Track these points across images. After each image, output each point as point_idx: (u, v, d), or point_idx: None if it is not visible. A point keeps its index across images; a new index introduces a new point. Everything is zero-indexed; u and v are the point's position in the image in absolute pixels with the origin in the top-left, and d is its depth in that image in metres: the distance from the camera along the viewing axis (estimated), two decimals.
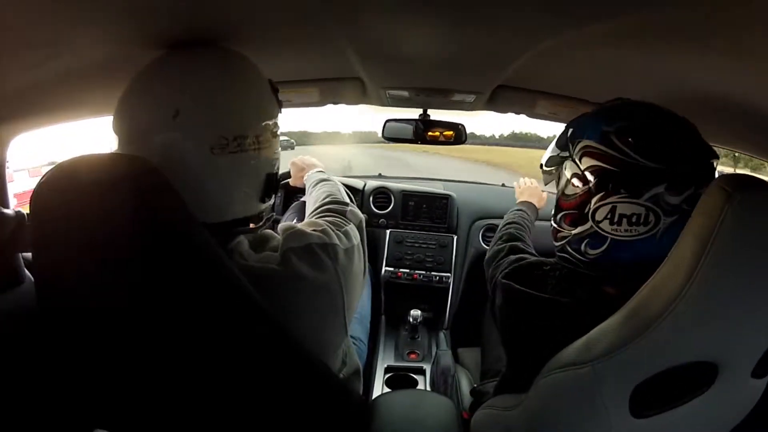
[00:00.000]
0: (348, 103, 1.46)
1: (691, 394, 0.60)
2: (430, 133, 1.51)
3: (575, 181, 0.71)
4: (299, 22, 0.77)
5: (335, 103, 1.43)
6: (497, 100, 1.31)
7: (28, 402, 0.57)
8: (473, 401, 1.18)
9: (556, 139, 0.80)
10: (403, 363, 1.68)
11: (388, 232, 1.93)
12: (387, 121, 1.53)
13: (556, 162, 0.78)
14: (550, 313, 0.72)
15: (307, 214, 0.92)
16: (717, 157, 0.67)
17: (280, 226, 0.74)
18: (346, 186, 1.28)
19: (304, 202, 1.18)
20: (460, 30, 0.78)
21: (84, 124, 1.04)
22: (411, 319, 1.72)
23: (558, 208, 0.77)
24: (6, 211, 0.65)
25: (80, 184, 0.52)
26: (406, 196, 1.96)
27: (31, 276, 0.69)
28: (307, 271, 0.67)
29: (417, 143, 1.55)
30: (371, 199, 1.96)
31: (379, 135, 1.58)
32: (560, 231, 0.76)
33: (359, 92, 1.34)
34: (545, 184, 0.86)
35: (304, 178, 1.19)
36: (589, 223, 0.68)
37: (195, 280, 0.55)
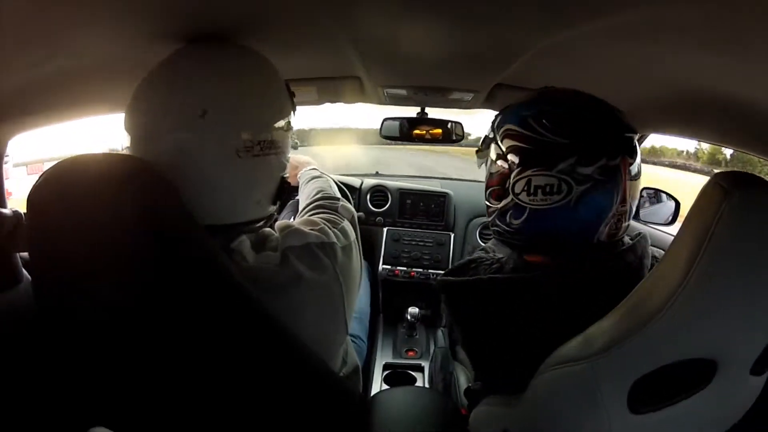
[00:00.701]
0: (346, 101, 1.46)
1: (690, 391, 0.60)
2: (420, 131, 1.51)
3: (499, 161, 0.78)
4: (298, 21, 0.76)
5: (333, 101, 1.43)
6: (495, 98, 1.31)
7: (27, 401, 0.57)
8: (469, 401, 1.18)
9: (488, 129, 0.86)
10: (402, 360, 1.69)
11: (385, 230, 1.93)
12: (384, 119, 1.53)
13: (485, 147, 0.85)
14: (489, 293, 0.76)
15: (299, 210, 0.92)
16: (634, 131, 0.72)
17: (277, 224, 0.74)
18: (344, 184, 1.28)
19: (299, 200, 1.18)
20: (458, 29, 0.78)
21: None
22: (409, 317, 1.73)
23: (486, 186, 0.83)
24: (3, 210, 0.65)
25: (77, 184, 0.52)
26: (404, 194, 1.96)
27: (29, 276, 0.69)
28: (306, 270, 0.67)
29: (413, 141, 1.55)
30: (368, 197, 1.96)
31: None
32: (490, 207, 0.82)
33: (357, 91, 1.34)
34: (478, 167, 0.92)
35: (298, 176, 1.19)
36: (510, 196, 0.74)
37: (192, 281, 0.55)
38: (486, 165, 0.85)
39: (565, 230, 0.71)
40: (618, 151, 0.69)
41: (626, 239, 0.77)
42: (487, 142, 0.83)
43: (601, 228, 0.71)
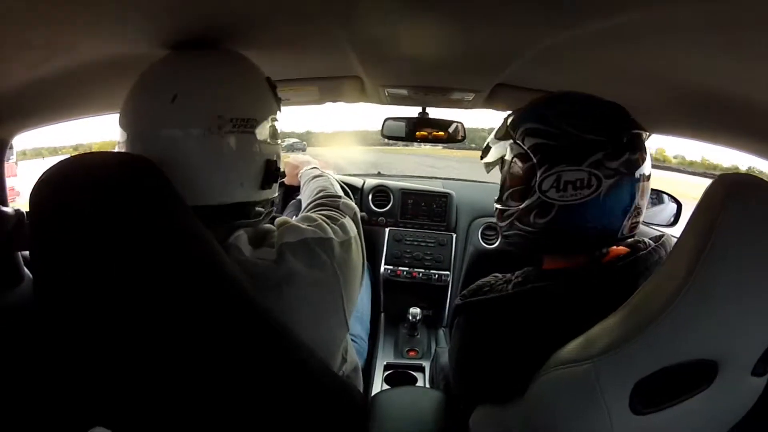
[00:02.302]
0: (347, 101, 1.47)
1: (691, 392, 0.60)
2: (425, 131, 1.51)
3: (518, 160, 0.77)
4: (299, 22, 0.77)
5: (334, 101, 1.44)
6: (496, 98, 1.31)
7: (27, 400, 0.57)
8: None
9: (494, 132, 0.86)
10: (403, 360, 1.69)
11: (387, 230, 1.93)
12: (386, 119, 1.54)
13: (496, 151, 0.84)
14: (518, 306, 0.75)
15: (301, 210, 0.92)
16: (645, 130, 0.75)
17: (276, 220, 0.74)
18: (345, 184, 1.28)
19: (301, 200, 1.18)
20: (459, 29, 0.78)
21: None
22: (410, 317, 1.72)
23: (503, 188, 0.82)
24: (5, 209, 0.65)
25: (79, 183, 0.52)
26: (405, 194, 1.96)
27: (30, 274, 0.69)
28: (302, 267, 0.67)
29: (415, 141, 1.55)
30: (370, 197, 1.95)
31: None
32: (507, 209, 0.81)
33: (358, 90, 1.34)
34: (487, 173, 0.92)
35: (299, 176, 1.19)
36: (536, 194, 0.74)
37: (191, 279, 0.55)
38: (501, 168, 0.83)
39: (594, 224, 0.72)
40: (636, 147, 0.72)
41: (647, 240, 0.78)
42: (497, 147, 0.82)
43: (624, 221, 0.73)
